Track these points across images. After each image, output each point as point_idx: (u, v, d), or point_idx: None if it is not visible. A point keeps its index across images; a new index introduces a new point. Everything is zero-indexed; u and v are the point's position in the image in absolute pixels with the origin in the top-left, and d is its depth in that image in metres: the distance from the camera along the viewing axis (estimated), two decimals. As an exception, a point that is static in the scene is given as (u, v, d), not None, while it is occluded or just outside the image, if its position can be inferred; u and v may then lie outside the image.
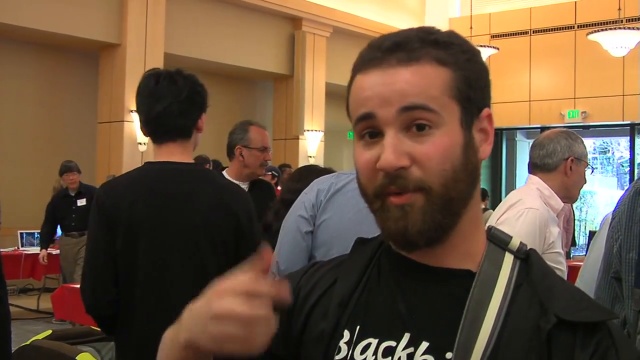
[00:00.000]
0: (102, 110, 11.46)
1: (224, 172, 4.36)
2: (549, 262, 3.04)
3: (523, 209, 2.91)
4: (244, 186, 4.29)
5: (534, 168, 3.10)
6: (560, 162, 3.03)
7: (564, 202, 3.08)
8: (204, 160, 9.48)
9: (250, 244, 2.59)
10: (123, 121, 11.20)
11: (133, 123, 11.24)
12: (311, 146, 14.45)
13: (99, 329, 2.98)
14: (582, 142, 3.12)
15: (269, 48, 13.81)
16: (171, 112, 2.50)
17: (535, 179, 3.07)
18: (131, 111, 11.19)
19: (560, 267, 2.94)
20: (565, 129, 3.19)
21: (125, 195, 2.50)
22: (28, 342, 4.82)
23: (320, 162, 14.65)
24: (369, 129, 1.01)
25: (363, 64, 1.03)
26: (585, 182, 3.14)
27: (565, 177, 3.03)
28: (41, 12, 10.34)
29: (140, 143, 11.32)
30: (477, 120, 1.03)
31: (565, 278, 2.95)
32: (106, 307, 2.49)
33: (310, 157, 14.40)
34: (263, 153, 4.20)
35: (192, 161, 2.63)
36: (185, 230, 2.50)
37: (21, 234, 10.01)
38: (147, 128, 2.58)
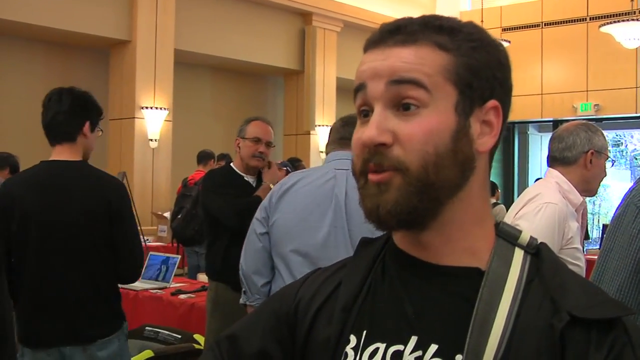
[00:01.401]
0: (113, 107, 11.47)
1: (232, 164, 4.41)
2: (567, 258, 2.99)
3: (542, 204, 2.86)
4: (252, 179, 4.29)
5: (553, 161, 3.05)
6: (580, 155, 2.98)
7: (583, 196, 3.03)
8: (207, 155, 9.48)
9: (121, 224, 3.15)
10: (134, 118, 11.21)
11: (144, 120, 11.25)
12: (322, 141, 14.43)
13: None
14: (602, 134, 3.06)
15: (279, 43, 13.79)
16: (56, 122, 3.15)
17: (554, 172, 3.02)
18: (142, 108, 11.21)
19: (579, 262, 2.89)
20: (584, 122, 3.12)
21: (20, 188, 3.13)
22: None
23: (331, 157, 14.63)
24: (364, 107, 1.01)
25: (366, 45, 1.04)
26: (605, 175, 3.08)
27: (585, 170, 2.98)
28: (51, 9, 10.35)
29: (151, 139, 11.33)
30: (478, 110, 1.00)
31: (584, 274, 2.91)
32: None
33: (322, 152, 14.39)
34: (256, 144, 4.22)
35: (79, 159, 3.20)
36: (67, 215, 3.08)
37: None
38: (45, 134, 3.21)
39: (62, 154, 3.17)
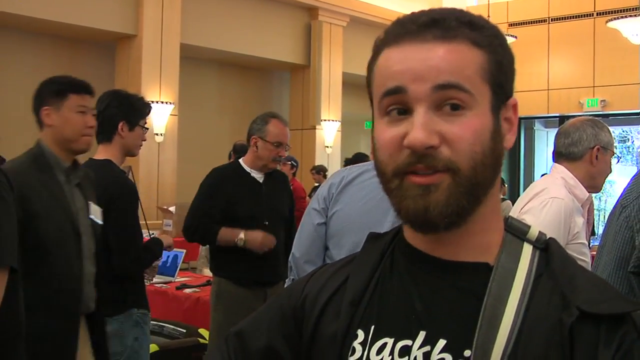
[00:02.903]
0: (119, 101, 11.47)
1: (240, 160, 4.34)
2: (572, 253, 3.00)
3: (548, 198, 2.86)
4: (259, 176, 4.27)
5: (559, 157, 3.06)
6: (586, 151, 2.98)
7: (588, 192, 3.03)
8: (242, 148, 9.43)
9: (112, 221, 3.33)
10: (140, 112, 11.20)
11: (150, 114, 11.24)
12: (328, 136, 14.43)
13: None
14: (609, 130, 3.07)
15: (285, 38, 13.78)
16: (97, 123, 3.27)
17: (560, 168, 3.02)
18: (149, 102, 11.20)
19: (585, 258, 2.89)
20: (591, 117, 3.13)
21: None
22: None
23: (337, 152, 14.64)
24: (397, 105, 0.97)
25: (395, 38, 0.99)
26: (611, 172, 3.08)
27: (590, 166, 2.99)
28: (57, 3, 10.36)
29: (157, 134, 11.33)
30: (504, 108, 1.01)
31: (590, 269, 2.91)
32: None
33: (327, 147, 14.38)
34: (277, 148, 4.17)
35: (110, 157, 3.51)
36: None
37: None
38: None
39: (99, 153, 3.53)
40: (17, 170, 2.88)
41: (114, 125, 3.52)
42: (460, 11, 1.00)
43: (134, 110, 3.58)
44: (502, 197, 9.82)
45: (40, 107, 3.11)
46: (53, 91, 3.11)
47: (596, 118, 3.15)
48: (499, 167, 1.00)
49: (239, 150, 9.17)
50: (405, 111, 0.97)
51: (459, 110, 0.95)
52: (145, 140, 3.71)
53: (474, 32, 0.98)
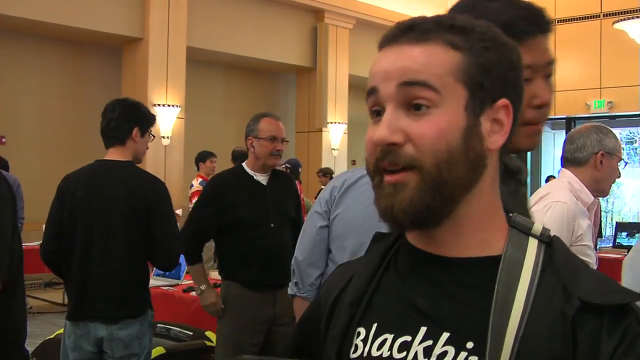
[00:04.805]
0: (126, 104, 11.51)
1: (244, 164, 4.34)
2: (576, 255, 3.01)
3: (551, 202, 2.93)
4: (264, 178, 4.27)
5: (565, 162, 3.15)
6: (590, 156, 3.06)
7: (594, 196, 3.08)
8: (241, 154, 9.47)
9: (157, 220, 3.60)
10: (146, 115, 11.22)
11: (156, 117, 11.27)
12: (334, 139, 14.44)
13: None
14: (614, 136, 3.15)
15: (291, 40, 13.81)
16: (109, 128, 3.66)
17: (567, 172, 3.11)
18: (154, 105, 11.23)
19: (589, 259, 2.92)
20: (597, 124, 3.24)
21: (74, 182, 3.62)
22: (52, 336, 4.85)
23: (343, 154, 14.65)
24: (375, 106, 1.01)
25: (381, 42, 1.04)
26: (618, 176, 3.16)
27: (595, 170, 3.06)
28: (64, 7, 10.40)
29: (163, 137, 11.36)
30: (489, 109, 1.01)
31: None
32: (50, 255, 3.70)
33: (334, 149, 14.39)
34: (272, 143, 4.19)
35: (128, 159, 3.68)
36: (109, 209, 3.55)
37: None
38: (102, 139, 3.70)
39: (113, 154, 3.67)
40: None
41: (129, 130, 3.67)
42: (447, 17, 1.03)
43: (145, 117, 3.78)
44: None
45: None
46: None
47: (602, 125, 3.23)
48: (478, 168, 1.00)
49: (237, 157, 9.20)
50: (381, 112, 1.01)
51: (423, 110, 0.97)
52: (148, 148, 3.90)
53: (453, 35, 1.00)
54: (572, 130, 3.26)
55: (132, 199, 3.56)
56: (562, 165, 3.17)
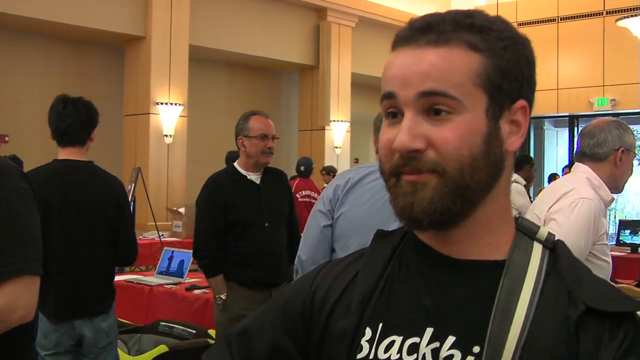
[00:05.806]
0: (128, 102, 11.51)
1: (235, 164, 4.34)
2: (597, 254, 2.99)
3: (577, 199, 2.85)
4: (256, 177, 4.27)
5: (582, 157, 3.05)
6: (610, 152, 2.99)
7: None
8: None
9: (125, 218, 3.73)
10: (149, 113, 11.24)
11: (159, 115, 11.29)
12: (337, 137, 14.43)
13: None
14: (632, 132, 3.07)
15: (294, 39, 13.80)
16: (73, 128, 3.61)
17: (584, 167, 3.02)
18: (157, 103, 11.24)
19: (607, 258, 2.89)
20: (615, 119, 3.13)
21: (42, 182, 3.45)
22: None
23: (346, 152, 14.64)
24: (392, 109, 1.00)
25: (395, 43, 1.02)
26: (632, 173, 3.09)
27: (614, 167, 2.99)
28: (66, 6, 10.40)
29: (166, 135, 11.36)
30: (507, 111, 1.00)
31: (610, 270, 2.92)
32: None
33: (337, 147, 14.38)
34: (263, 140, 4.19)
35: (87, 160, 3.70)
36: (84, 208, 3.58)
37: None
38: (55, 136, 3.67)
39: (72, 154, 3.66)
40: None
41: (90, 132, 3.69)
42: (464, 13, 1.00)
43: (96, 117, 3.77)
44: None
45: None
46: None
47: (620, 120, 3.14)
48: (498, 172, 1.01)
49: (232, 159, 9.14)
50: (398, 114, 0.99)
51: (444, 115, 0.96)
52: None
53: (473, 35, 0.98)
54: (589, 124, 3.15)
55: (106, 198, 3.66)
56: (577, 160, 3.09)
